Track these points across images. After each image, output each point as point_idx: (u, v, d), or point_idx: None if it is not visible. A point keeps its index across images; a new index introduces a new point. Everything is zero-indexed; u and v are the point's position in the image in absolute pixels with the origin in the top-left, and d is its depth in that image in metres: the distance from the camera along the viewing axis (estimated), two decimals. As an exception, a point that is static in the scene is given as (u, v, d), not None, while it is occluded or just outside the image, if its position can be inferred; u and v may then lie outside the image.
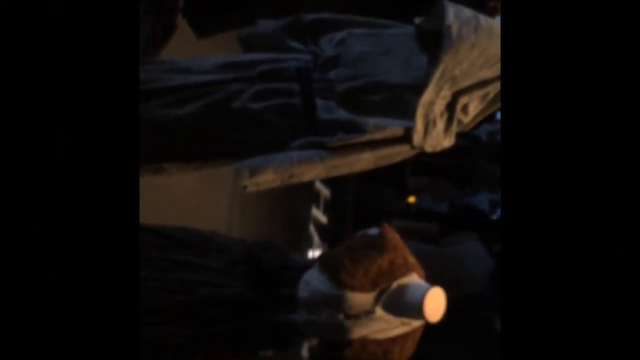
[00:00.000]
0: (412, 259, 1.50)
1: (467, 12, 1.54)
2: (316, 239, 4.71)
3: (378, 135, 1.58)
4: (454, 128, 1.61)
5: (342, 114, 1.62)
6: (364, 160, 1.64)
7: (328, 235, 4.71)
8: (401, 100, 1.58)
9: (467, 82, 1.56)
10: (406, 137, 1.57)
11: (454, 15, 1.50)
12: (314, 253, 4.65)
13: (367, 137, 1.58)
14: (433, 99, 1.55)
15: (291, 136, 1.69)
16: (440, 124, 1.58)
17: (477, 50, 1.50)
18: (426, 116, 1.56)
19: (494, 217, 4.93)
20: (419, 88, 1.56)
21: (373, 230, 1.49)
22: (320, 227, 4.67)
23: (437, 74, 1.52)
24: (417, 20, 1.69)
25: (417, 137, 1.57)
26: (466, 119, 1.61)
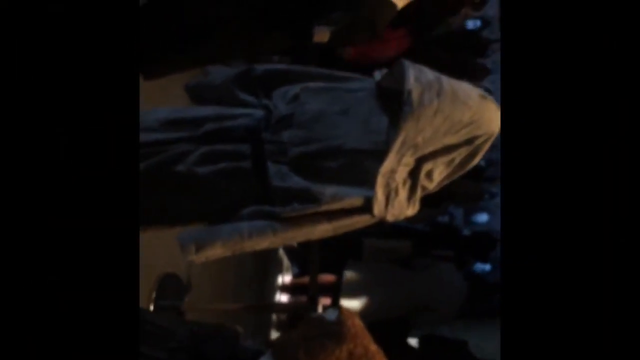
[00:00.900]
0: (374, 347, 1.37)
1: (429, 74, 1.41)
2: (286, 261, 4.58)
3: (335, 206, 1.45)
4: (418, 196, 1.48)
5: (296, 181, 1.48)
6: (321, 231, 1.50)
7: (297, 258, 4.59)
8: (360, 167, 1.45)
9: (430, 148, 1.43)
10: (366, 208, 1.44)
11: (415, 79, 1.37)
12: (283, 278, 4.52)
13: (323, 208, 1.45)
14: (394, 167, 1.42)
15: (241, 202, 1.55)
16: (403, 193, 1.45)
17: (441, 117, 1.37)
18: (387, 185, 1.42)
19: (467, 233, 4.86)
20: (378, 154, 1.43)
21: (331, 315, 1.35)
22: (289, 250, 4.54)
23: (398, 143, 1.38)
24: (377, 74, 1.55)
25: (377, 208, 1.43)
26: (431, 185, 1.49)
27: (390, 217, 1.46)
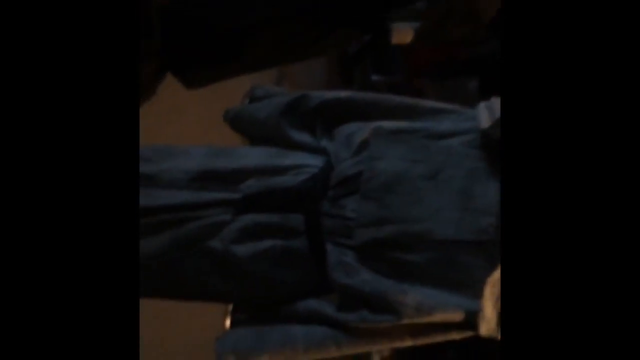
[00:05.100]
0: None
1: None
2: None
3: (422, 320, 1.00)
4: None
5: (364, 278, 1.04)
6: (402, 345, 1.07)
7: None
8: (456, 265, 0.98)
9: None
10: (468, 324, 0.99)
11: None
12: None
13: (405, 322, 1.01)
14: (510, 272, 0.94)
15: (293, 292, 1.14)
16: (523, 304, 0.98)
17: None
18: (499, 297, 0.96)
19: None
20: (486, 247, 0.95)
21: None
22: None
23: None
24: (483, 114, 1.04)
25: (485, 326, 0.97)
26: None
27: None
